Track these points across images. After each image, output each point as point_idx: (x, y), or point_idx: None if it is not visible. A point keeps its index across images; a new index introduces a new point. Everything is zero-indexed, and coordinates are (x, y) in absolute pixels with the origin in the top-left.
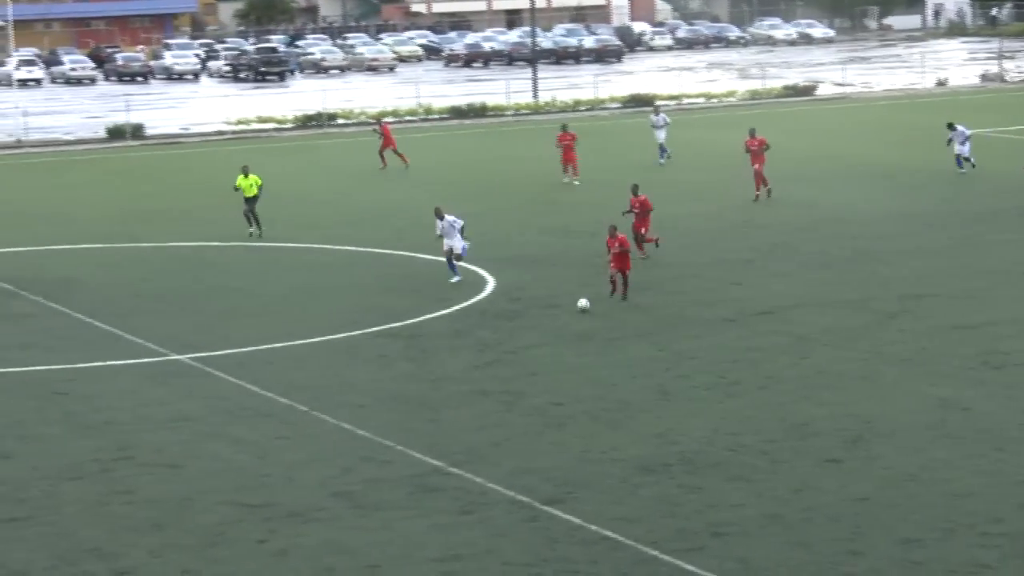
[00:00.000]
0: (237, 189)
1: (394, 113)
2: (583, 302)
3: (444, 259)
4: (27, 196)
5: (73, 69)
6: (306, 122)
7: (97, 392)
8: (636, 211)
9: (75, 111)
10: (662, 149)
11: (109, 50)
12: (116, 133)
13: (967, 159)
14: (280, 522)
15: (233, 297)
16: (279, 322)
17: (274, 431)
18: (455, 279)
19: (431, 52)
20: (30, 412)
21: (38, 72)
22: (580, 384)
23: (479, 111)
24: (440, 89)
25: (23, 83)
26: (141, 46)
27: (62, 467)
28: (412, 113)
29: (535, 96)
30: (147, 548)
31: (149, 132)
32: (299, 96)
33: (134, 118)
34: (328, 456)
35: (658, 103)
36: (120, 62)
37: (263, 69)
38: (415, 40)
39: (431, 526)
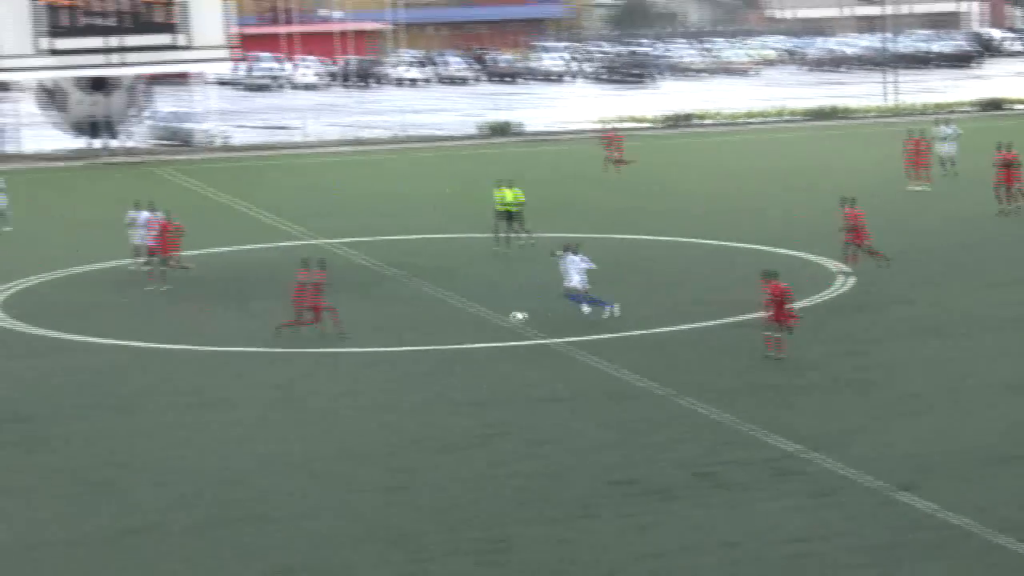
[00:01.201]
0: (500, 203)
1: (754, 114)
2: (519, 315)
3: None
4: (409, 188)
5: (453, 69)
6: (669, 122)
7: (479, 372)
8: (852, 225)
9: (453, 109)
10: (947, 161)
11: (485, 52)
12: (491, 130)
13: None
14: (644, 499)
15: (600, 286)
16: (646, 310)
17: (640, 413)
18: (587, 310)
19: (789, 56)
20: (419, 388)
21: (420, 72)
22: (933, 375)
23: (834, 113)
24: (797, 92)
25: (407, 83)
26: (515, 49)
27: (444, 440)
28: (771, 114)
29: (888, 99)
30: (520, 519)
31: (521, 129)
32: (663, 97)
33: (508, 116)
34: (690, 438)
35: (947, 114)
36: (496, 63)
37: (629, 71)
38: (774, 45)
39: (787, 507)
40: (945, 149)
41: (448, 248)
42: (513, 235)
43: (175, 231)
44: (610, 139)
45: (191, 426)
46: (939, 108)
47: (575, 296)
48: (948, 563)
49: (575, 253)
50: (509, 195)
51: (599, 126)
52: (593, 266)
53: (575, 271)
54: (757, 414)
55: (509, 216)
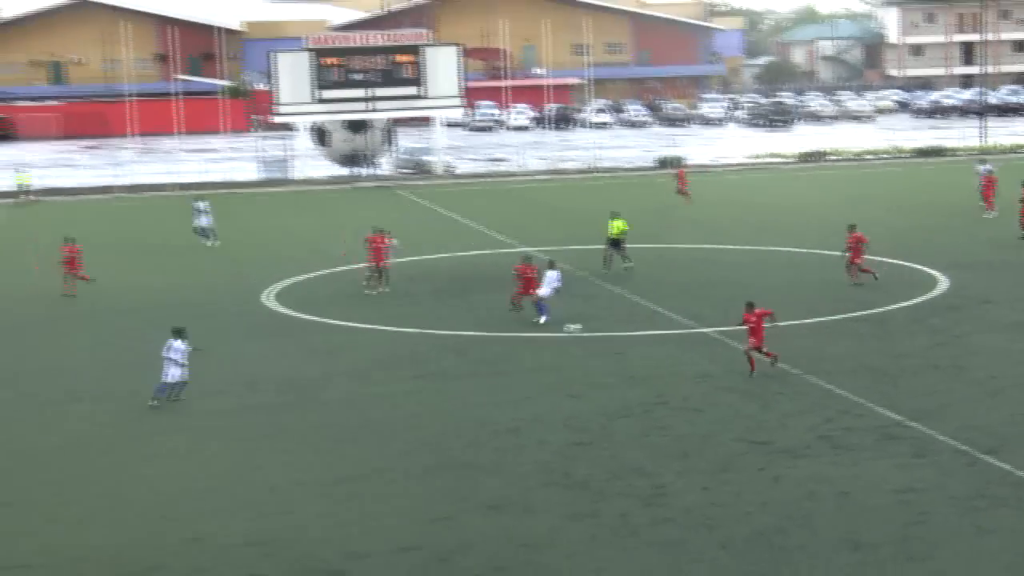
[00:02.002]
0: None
1: (872, 152)
2: (572, 327)
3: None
4: (596, 207)
5: (633, 115)
6: (805, 157)
7: (644, 354)
8: (851, 247)
9: (634, 146)
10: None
11: (659, 101)
12: (663, 163)
13: None
14: (776, 456)
15: (741, 287)
16: (776, 306)
17: (774, 388)
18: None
19: (902, 106)
20: (597, 366)
21: (607, 117)
22: (1012, 363)
23: (938, 151)
24: (908, 134)
25: (597, 125)
26: (684, 99)
27: (616, 408)
28: (886, 152)
29: (982, 140)
30: (676, 470)
31: (687, 162)
32: (800, 138)
33: (677, 152)
34: (814, 408)
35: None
36: (667, 110)
37: (773, 117)
38: (890, 96)
39: (892, 465)
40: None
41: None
42: (620, 259)
43: (385, 246)
44: (680, 175)
45: (416, 393)
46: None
47: (540, 304)
48: (1020, 512)
49: (553, 269)
50: (615, 226)
51: (670, 165)
52: (560, 285)
53: (548, 285)
54: (868, 390)
55: (616, 243)
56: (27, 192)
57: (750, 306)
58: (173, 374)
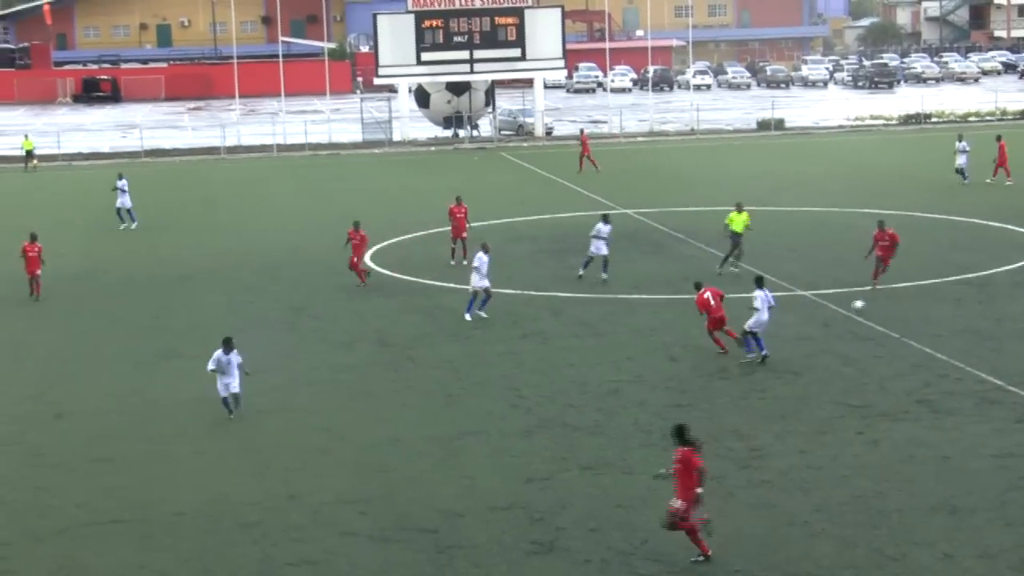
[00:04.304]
0: (728, 225)
1: (976, 114)
2: (858, 303)
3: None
4: (696, 170)
5: (734, 77)
6: (907, 120)
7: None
8: (886, 244)
9: (734, 108)
10: (962, 172)
11: (761, 63)
12: (763, 125)
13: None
14: (874, 419)
15: (840, 249)
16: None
17: (872, 351)
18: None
19: (1008, 67)
20: (695, 328)
21: (708, 79)
22: None
23: None
24: (1014, 96)
25: (697, 87)
26: (785, 61)
27: (715, 369)
28: (991, 114)
29: None
30: (773, 432)
31: (788, 125)
32: (903, 100)
33: (777, 114)
34: (913, 372)
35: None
36: (769, 73)
37: (876, 79)
38: (996, 58)
39: (991, 430)
40: (960, 160)
41: (722, 217)
42: (732, 255)
43: (463, 215)
44: (583, 140)
45: (515, 354)
46: None
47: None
48: None
49: (487, 253)
50: (739, 219)
51: (579, 129)
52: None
53: (479, 275)
54: (968, 354)
55: (738, 237)
56: (31, 158)
57: (697, 285)
58: (230, 385)
